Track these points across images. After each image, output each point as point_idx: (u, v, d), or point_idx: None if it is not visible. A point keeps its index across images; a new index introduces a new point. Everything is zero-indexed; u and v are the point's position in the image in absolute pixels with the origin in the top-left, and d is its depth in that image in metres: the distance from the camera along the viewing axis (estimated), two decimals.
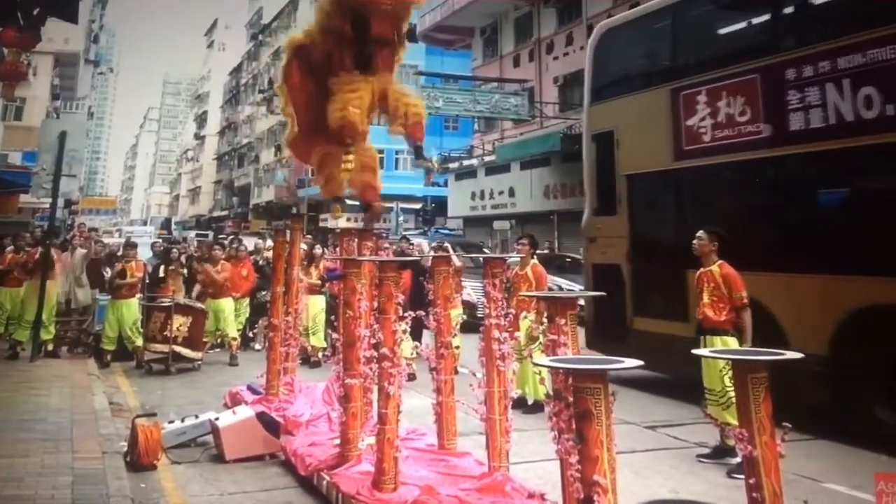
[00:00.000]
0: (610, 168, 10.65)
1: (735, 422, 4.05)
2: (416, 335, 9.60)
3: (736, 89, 8.84)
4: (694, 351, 4.81)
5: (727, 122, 8.91)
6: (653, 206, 10.41)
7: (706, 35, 9.93)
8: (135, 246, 12.65)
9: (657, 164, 9.91)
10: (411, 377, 9.01)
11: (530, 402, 8.30)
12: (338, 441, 5.99)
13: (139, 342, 11.47)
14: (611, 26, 11.57)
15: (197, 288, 12.68)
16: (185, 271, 13.14)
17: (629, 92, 10.76)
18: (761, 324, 7.54)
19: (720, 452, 6.60)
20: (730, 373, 4.55)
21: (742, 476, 3.82)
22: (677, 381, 8.97)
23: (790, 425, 3.84)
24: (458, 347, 6.07)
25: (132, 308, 11.61)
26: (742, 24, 9.57)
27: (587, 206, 11.25)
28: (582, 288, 17.80)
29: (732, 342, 6.60)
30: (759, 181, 9.04)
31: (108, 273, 12.26)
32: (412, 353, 8.35)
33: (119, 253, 12.99)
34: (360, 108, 6.44)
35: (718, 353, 5.34)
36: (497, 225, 30.09)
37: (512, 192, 30.76)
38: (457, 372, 5.91)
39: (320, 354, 11.70)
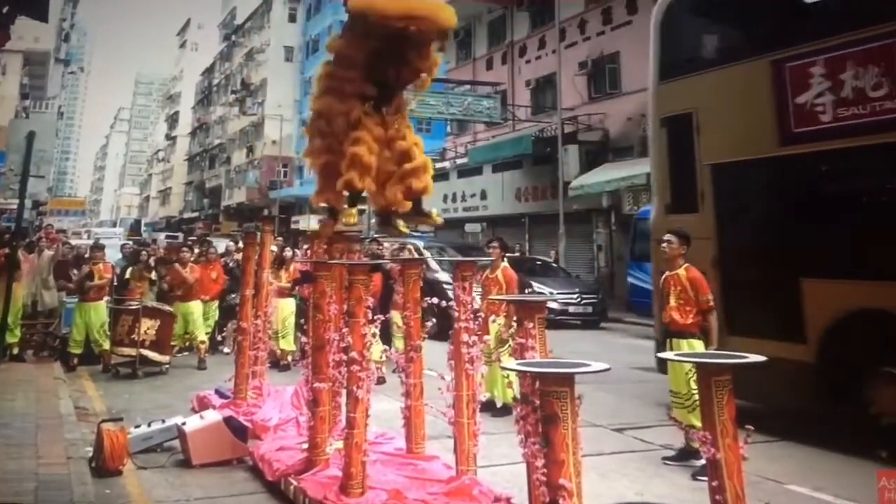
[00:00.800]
0: (688, 157, 8.93)
1: (700, 424, 4.09)
2: (386, 338, 9.59)
3: (868, 58, 7.27)
4: (659, 354, 4.88)
5: (856, 98, 7.33)
6: (749, 202, 8.72)
7: None
8: (102, 248, 12.55)
9: (755, 151, 8.27)
10: (381, 381, 9.02)
11: (499, 405, 8.32)
12: (306, 445, 5.97)
13: (106, 345, 11.36)
14: None
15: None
16: (154, 274, 13.01)
17: (713, 66, 9.03)
18: None
19: (685, 455, 6.65)
20: (695, 376, 4.60)
21: (706, 478, 3.86)
22: (779, 414, 7.93)
23: (753, 428, 3.89)
24: None
25: (100, 311, 11.51)
26: None
27: (656, 203, 9.59)
28: (553, 292, 17.99)
29: (698, 345, 6.67)
30: None
31: (74, 275, 12.11)
32: (381, 357, 8.33)
33: (86, 255, 12.86)
34: (364, 166, 5.71)
35: (683, 356, 5.40)
36: (469, 228, 30.15)
37: (484, 195, 30.87)
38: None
39: (289, 358, 11.66)
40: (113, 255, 14.85)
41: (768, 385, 7.28)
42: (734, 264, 8.28)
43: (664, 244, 7.15)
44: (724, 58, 8.98)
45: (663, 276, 7.25)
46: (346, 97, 5.90)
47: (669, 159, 9.33)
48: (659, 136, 9.51)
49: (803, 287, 7.50)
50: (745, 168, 8.43)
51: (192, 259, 12.59)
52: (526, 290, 14.50)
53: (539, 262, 21.83)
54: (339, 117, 5.90)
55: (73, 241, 20.52)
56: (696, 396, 5.23)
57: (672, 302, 6.94)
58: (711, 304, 6.81)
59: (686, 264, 7.01)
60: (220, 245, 17.64)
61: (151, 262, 13.47)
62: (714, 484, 3.71)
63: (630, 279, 17.94)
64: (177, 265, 12.19)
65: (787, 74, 7.93)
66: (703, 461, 4.31)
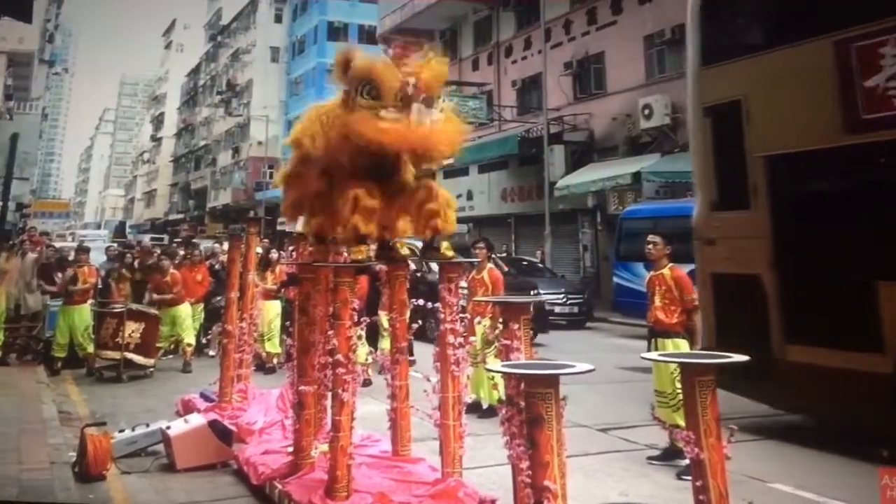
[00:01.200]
0: (736, 148, 8.07)
1: (684, 424, 4.11)
2: (372, 341, 9.58)
3: None
4: (643, 355, 4.88)
5: None
6: (812, 196, 7.79)
7: None
8: (87, 250, 12.46)
9: (817, 141, 7.42)
10: (367, 383, 9.01)
11: (485, 406, 8.32)
12: (291, 449, 5.95)
13: (90, 349, 11.29)
14: None
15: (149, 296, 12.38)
16: (137, 275, 12.93)
17: (766, 48, 8.16)
18: None
19: (670, 454, 6.67)
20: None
21: (691, 478, 3.88)
22: (845, 430, 7.37)
23: (736, 427, 3.91)
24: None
25: (84, 314, 11.44)
26: None
27: (699, 199, 8.69)
28: (539, 292, 17.97)
29: (683, 345, 6.71)
30: None
31: (58, 278, 12.03)
32: (367, 359, 8.32)
33: (71, 258, 12.78)
34: (368, 210, 5.23)
35: (666, 356, 5.42)
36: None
37: (470, 196, 30.89)
38: None
39: (275, 361, 11.61)
40: (98, 257, 14.74)
41: (835, 399, 6.93)
42: (795, 266, 7.53)
43: (649, 245, 7.16)
44: (779, 39, 8.02)
45: (648, 276, 7.28)
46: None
47: (714, 151, 8.46)
48: (701, 125, 8.63)
49: (880, 291, 6.76)
50: (805, 159, 7.56)
51: (172, 266, 12.49)
52: (531, 293, 14.51)
53: (525, 263, 21.85)
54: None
55: (58, 244, 20.36)
56: (682, 396, 5.26)
57: (657, 302, 6.97)
58: (696, 303, 6.85)
59: (670, 264, 7.04)
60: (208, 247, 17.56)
61: (135, 263, 13.40)
62: (698, 483, 3.73)
63: (615, 279, 17.99)
64: (165, 278, 12.05)
65: (854, 56, 7.13)
66: (687, 461, 4.34)
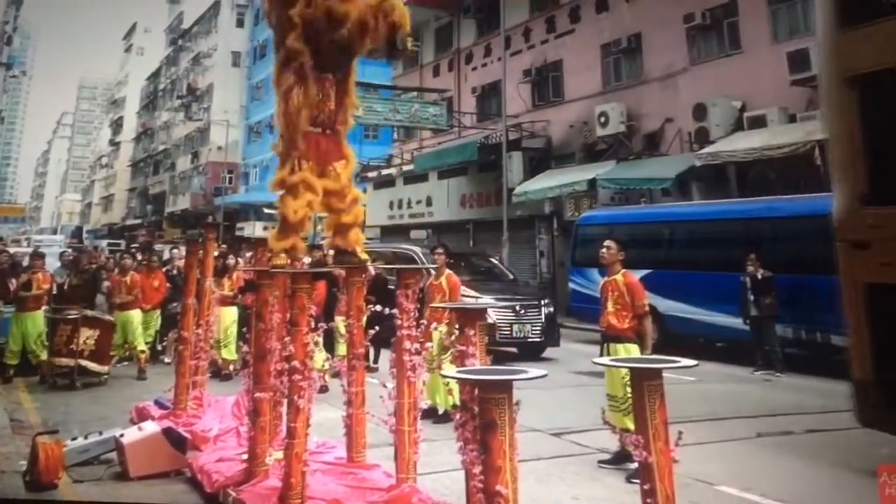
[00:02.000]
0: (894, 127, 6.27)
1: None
2: (329, 347, 9.58)
3: None
4: (594, 360, 4.96)
5: None
6: None
7: None
8: (42, 256, 12.28)
9: None
10: (323, 389, 9.00)
11: (440, 411, 8.35)
12: (246, 456, 5.93)
13: (44, 356, 11.11)
14: None
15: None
16: (73, 280, 12.77)
17: None
18: None
19: (620, 458, 6.73)
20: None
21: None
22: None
23: (683, 431, 3.99)
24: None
25: (37, 321, 11.27)
26: None
27: (841, 191, 6.76)
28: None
29: (634, 349, 6.81)
30: None
31: (12, 284, 11.83)
32: (324, 365, 8.32)
33: (25, 263, 12.57)
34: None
35: (617, 361, 5.50)
36: (414, 234, 30.17)
37: (429, 202, 30.93)
38: None
39: (231, 367, 11.52)
40: (53, 263, 14.52)
41: None
42: None
43: (603, 250, 7.25)
44: None
45: (602, 282, 7.37)
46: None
47: (864, 131, 6.49)
48: (842, 100, 6.69)
49: None
50: None
51: (134, 266, 12.39)
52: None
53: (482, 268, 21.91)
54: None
55: (12, 249, 20.00)
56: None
57: (609, 307, 7.06)
58: (647, 308, 6.95)
59: (623, 270, 7.13)
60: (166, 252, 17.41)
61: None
62: (646, 487, 3.78)
63: (571, 285, 18.07)
64: (125, 278, 11.93)
65: None
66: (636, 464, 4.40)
